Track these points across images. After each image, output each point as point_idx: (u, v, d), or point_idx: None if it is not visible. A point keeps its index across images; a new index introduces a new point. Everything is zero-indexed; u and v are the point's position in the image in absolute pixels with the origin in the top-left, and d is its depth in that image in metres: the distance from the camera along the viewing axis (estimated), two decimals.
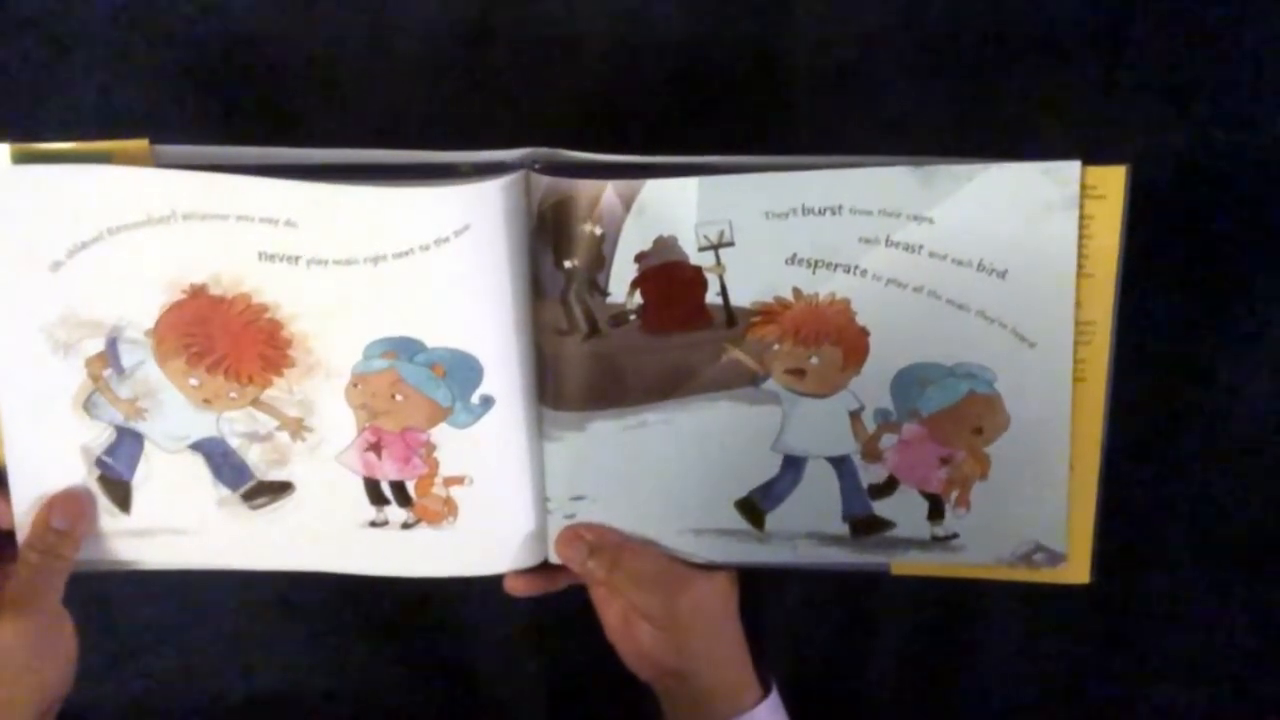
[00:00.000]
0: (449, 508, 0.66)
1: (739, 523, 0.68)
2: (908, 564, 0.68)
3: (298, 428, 0.65)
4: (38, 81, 0.71)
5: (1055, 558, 0.67)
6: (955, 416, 0.65)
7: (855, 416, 0.66)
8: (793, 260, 0.62)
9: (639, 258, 0.62)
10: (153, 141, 0.59)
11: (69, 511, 0.65)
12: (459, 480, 0.66)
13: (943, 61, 0.72)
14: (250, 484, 0.66)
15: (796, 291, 0.63)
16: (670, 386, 0.65)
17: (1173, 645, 0.84)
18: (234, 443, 0.65)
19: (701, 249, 0.62)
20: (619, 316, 0.63)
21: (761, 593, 0.76)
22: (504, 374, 0.63)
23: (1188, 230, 0.75)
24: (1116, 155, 0.60)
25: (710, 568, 0.69)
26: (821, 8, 0.72)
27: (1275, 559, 0.81)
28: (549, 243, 0.61)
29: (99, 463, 0.65)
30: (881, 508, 0.67)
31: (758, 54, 0.72)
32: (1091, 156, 0.60)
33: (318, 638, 0.84)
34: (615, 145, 0.61)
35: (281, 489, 0.66)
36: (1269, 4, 0.71)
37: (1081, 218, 0.61)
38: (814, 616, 0.85)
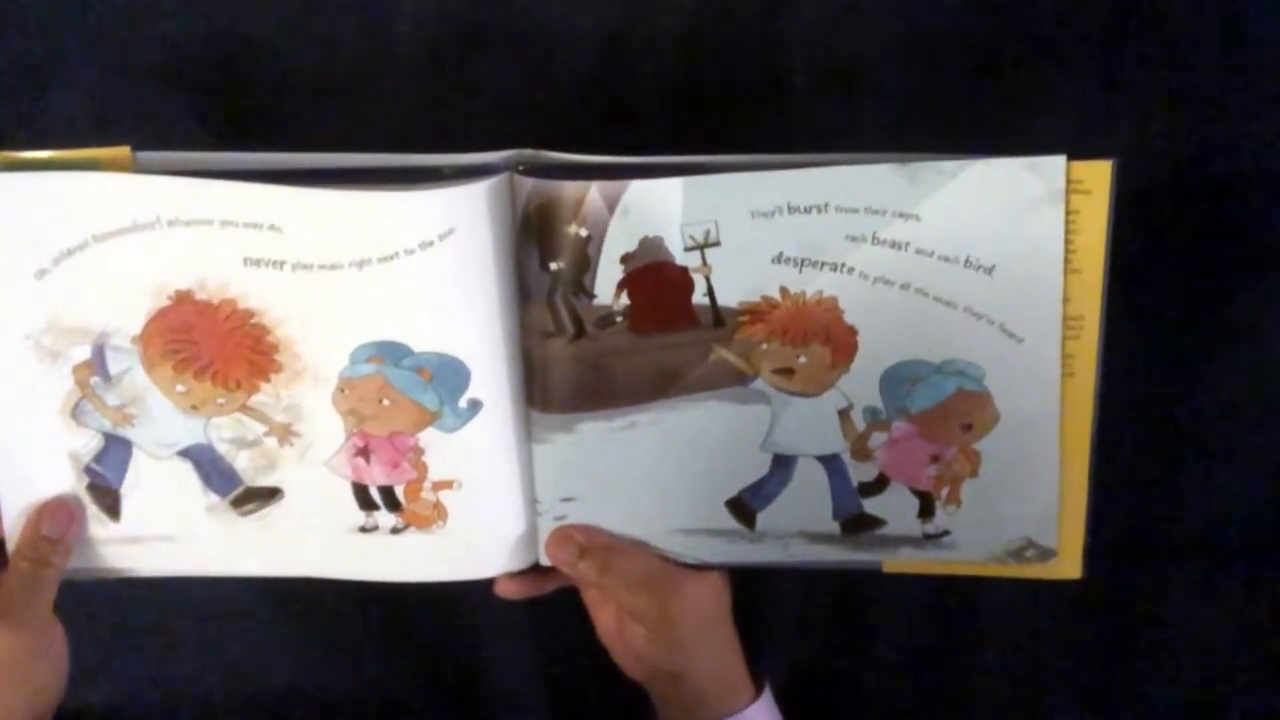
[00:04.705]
0: (438, 512, 0.66)
1: (730, 523, 0.68)
2: (900, 562, 0.68)
3: (285, 433, 0.65)
4: (30, 87, 0.71)
5: (1046, 553, 0.67)
6: (944, 413, 0.65)
7: (844, 415, 0.66)
8: (779, 259, 0.62)
9: (625, 259, 0.62)
10: (143, 146, 0.59)
11: (58, 519, 0.65)
12: (448, 484, 0.66)
13: (940, 61, 0.72)
14: (239, 490, 0.66)
15: (784, 290, 0.63)
16: (658, 387, 0.65)
17: (1171, 643, 0.84)
18: (222, 449, 0.65)
19: (687, 249, 0.62)
20: (606, 318, 0.63)
21: (755, 593, 0.76)
22: (491, 377, 0.63)
23: (1185, 227, 0.75)
24: (1113, 153, 0.60)
25: (702, 568, 0.68)
26: (818, 7, 0.71)
27: (1273, 556, 0.81)
28: (534, 245, 0.61)
29: (88, 470, 0.65)
30: (872, 506, 0.67)
31: (754, 54, 0.72)
32: (1088, 154, 0.60)
33: (315, 639, 0.84)
34: (610, 146, 0.61)
35: (270, 495, 0.66)
36: (1266, 1, 0.71)
37: (1068, 213, 0.60)
38: (808, 616, 0.84)
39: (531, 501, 0.67)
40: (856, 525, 0.68)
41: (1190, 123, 0.73)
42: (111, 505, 0.66)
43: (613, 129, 0.73)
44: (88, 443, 0.65)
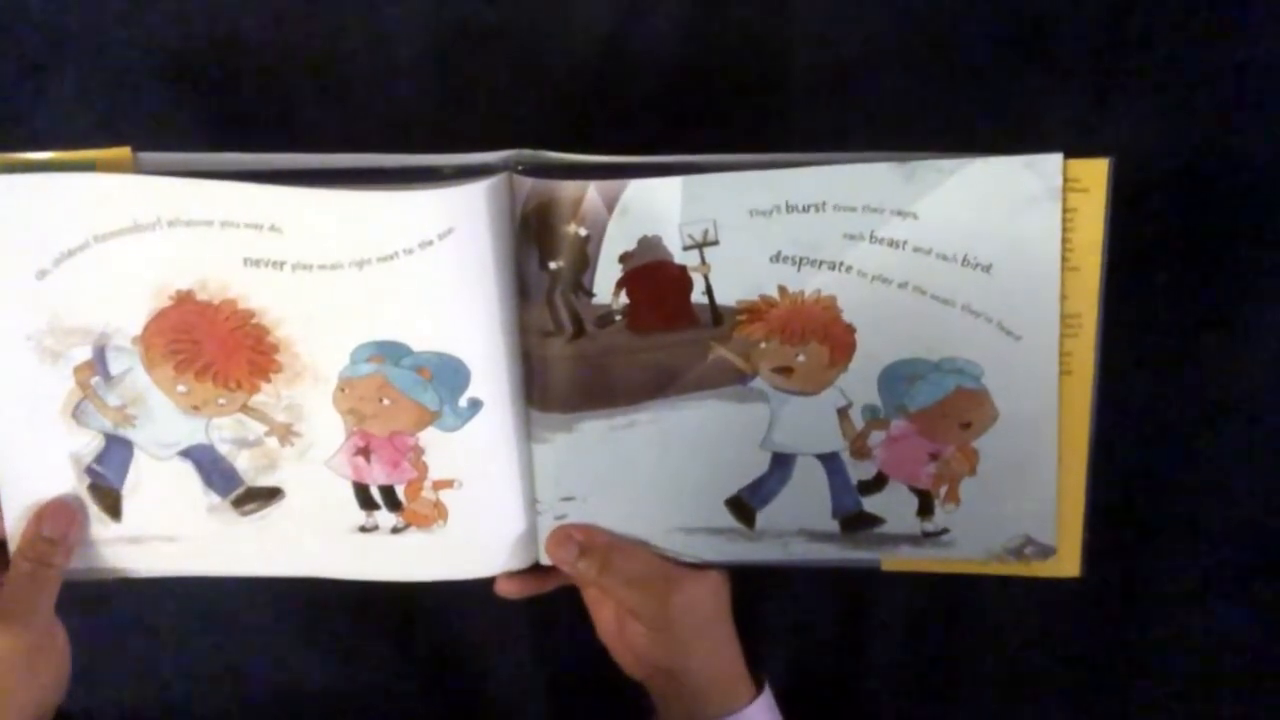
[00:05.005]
0: (438, 511, 0.66)
1: (729, 521, 0.68)
2: (899, 560, 0.68)
3: (286, 433, 0.65)
4: (29, 87, 0.71)
5: (1045, 551, 0.67)
6: (943, 412, 0.65)
7: (843, 413, 0.66)
8: (777, 258, 0.62)
9: (624, 258, 0.62)
10: (143, 146, 0.59)
11: (59, 520, 0.65)
12: (448, 484, 0.66)
13: (942, 61, 0.72)
14: (240, 490, 0.66)
15: (782, 289, 0.63)
16: (657, 386, 0.65)
17: (1172, 642, 0.84)
18: (223, 449, 0.65)
19: (686, 248, 0.62)
20: (605, 317, 0.63)
21: (755, 592, 0.76)
22: (491, 376, 0.63)
23: (1184, 226, 0.75)
24: (1111, 152, 0.60)
25: (701, 567, 0.69)
26: (817, 7, 0.72)
27: (1274, 554, 0.81)
28: (533, 244, 0.61)
29: (89, 471, 0.65)
30: (871, 504, 0.67)
31: (753, 54, 0.72)
32: (1086, 153, 0.60)
33: (317, 638, 0.84)
34: (610, 146, 0.61)
35: (271, 495, 0.66)
36: (1265, 1, 0.71)
37: (1064, 211, 0.61)
38: (808, 616, 0.84)
39: (531, 500, 0.67)
40: (855, 523, 0.68)
41: (1189, 123, 0.73)
42: (112, 506, 0.66)
43: (612, 129, 0.73)
44: (89, 443, 0.65)
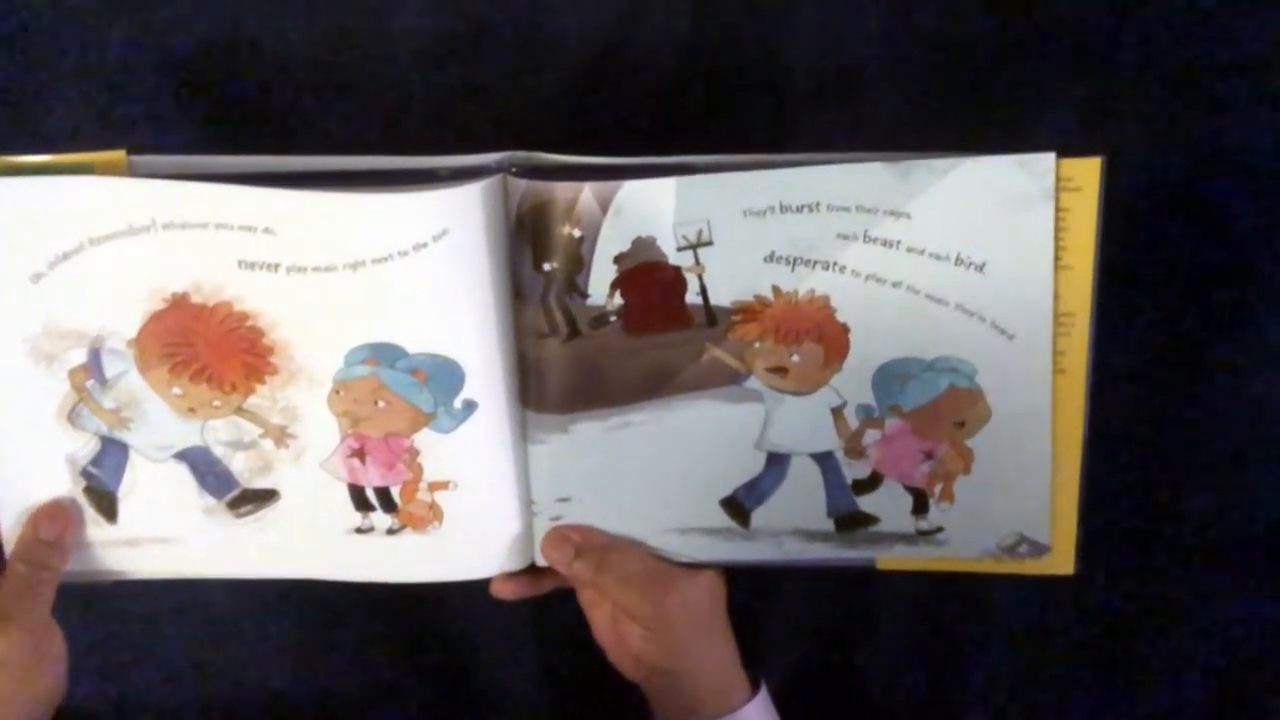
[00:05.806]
0: (434, 513, 0.67)
1: (724, 521, 0.68)
2: (893, 559, 0.69)
3: (281, 435, 0.65)
4: (26, 89, 0.71)
5: (1039, 549, 0.67)
6: (936, 410, 0.65)
7: (837, 413, 0.66)
8: (771, 258, 0.62)
9: (618, 259, 0.62)
10: (139, 149, 0.60)
11: (55, 522, 0.65)
12: (443, 485, 0.66)
13: (939, 62, 0.73)
14: (235, 492, 0.66)
15: (776, 289, 0.63)
16: (653, 387, 0.65)
17: (1171, 643, 0.84)
18: (218, 451, 0.65)
19: (680, 249, 0.62)
20: (600, 318, 0.63)
21: (753, 592, 0.76)
22: (486, 378, 0.63)
23: (1184, 225, 0.75)
24: (1110, 152, 0.60)
25: (697, 567, 0.69)
26: (817, 9, 0.72)
27: (1274, 557, 0.81)
28: (528, 246, 0.62)
29: (84, 473, 0.65)
30: (866, 503, 0.68)
31: (753, 56, 0.73)
32: (1083, 152, 0.60)
33: (311, 640, 0.84)
34: (609, 148, 0.61)
35: (266, 497, 0.66)
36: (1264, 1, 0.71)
37: (1057, 210, 0.61)
38: (807, 616, 0.84)
39: (527, 502, 0.67)
40: (850, 523, 0.68)
41: (1189, 123, 0.73)
42: (108, 508, 0.66)
43: (609, 131, 0.73)
44: (84, 446, 0.65)
